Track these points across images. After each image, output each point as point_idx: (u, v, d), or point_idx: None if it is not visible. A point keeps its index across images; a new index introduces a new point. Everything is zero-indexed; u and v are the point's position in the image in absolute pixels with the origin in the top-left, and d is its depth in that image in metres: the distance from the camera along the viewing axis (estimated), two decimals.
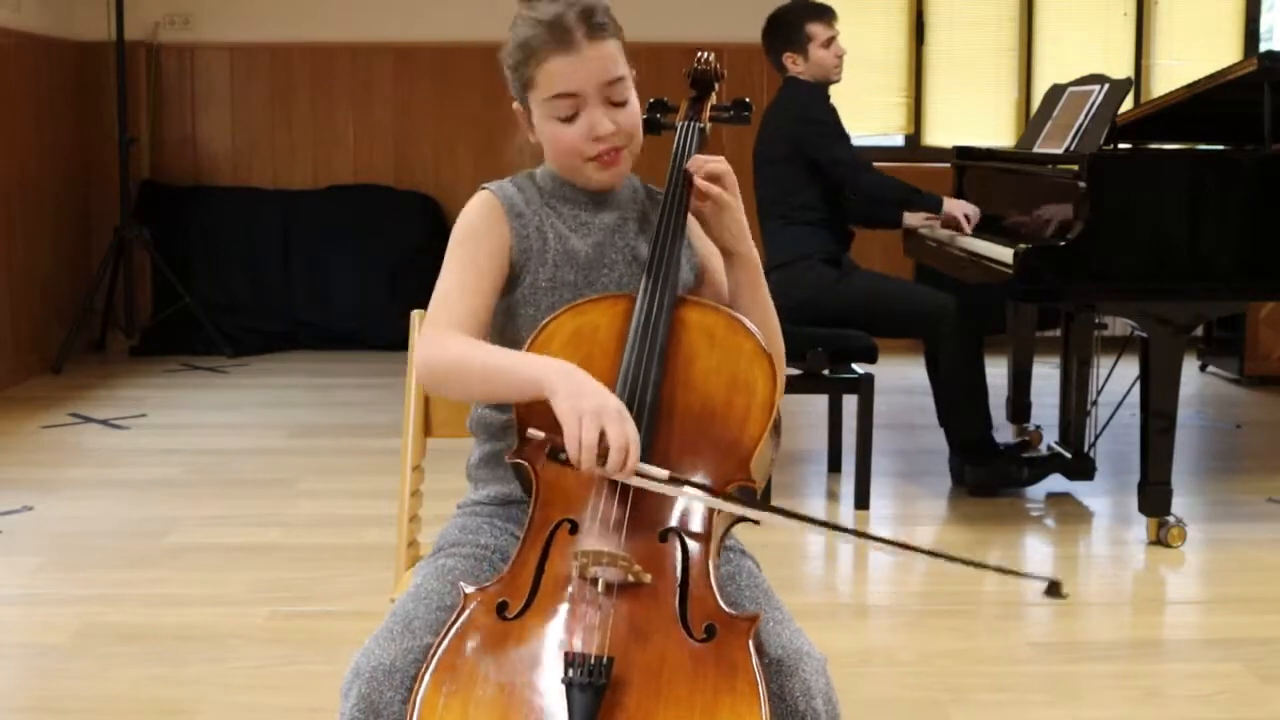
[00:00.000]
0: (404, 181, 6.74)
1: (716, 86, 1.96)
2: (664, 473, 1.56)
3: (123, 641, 3.01)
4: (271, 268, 6.61)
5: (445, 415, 2.07)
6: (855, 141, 4.34)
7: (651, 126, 1.95)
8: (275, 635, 3.06)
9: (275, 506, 4.04)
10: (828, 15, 4.30)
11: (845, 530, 1.64)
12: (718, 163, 1.78)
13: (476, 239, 1.79)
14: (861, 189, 4.24)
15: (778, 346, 1.81)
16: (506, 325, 1.82)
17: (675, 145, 1.86)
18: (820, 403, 4.71)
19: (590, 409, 1.53)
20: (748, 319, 1.74)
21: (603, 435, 1.52)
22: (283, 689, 2.77)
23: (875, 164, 4.34)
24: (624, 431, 1.53)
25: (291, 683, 2.80)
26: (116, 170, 6.34)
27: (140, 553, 3.61)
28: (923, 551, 1.56)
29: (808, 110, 4.24)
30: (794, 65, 4.28)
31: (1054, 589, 1.52)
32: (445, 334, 1.70)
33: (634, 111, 1.80)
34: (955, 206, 4.30)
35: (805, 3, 4.34)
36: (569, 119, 1.76)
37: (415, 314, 2.00)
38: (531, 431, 1.59)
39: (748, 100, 1.97)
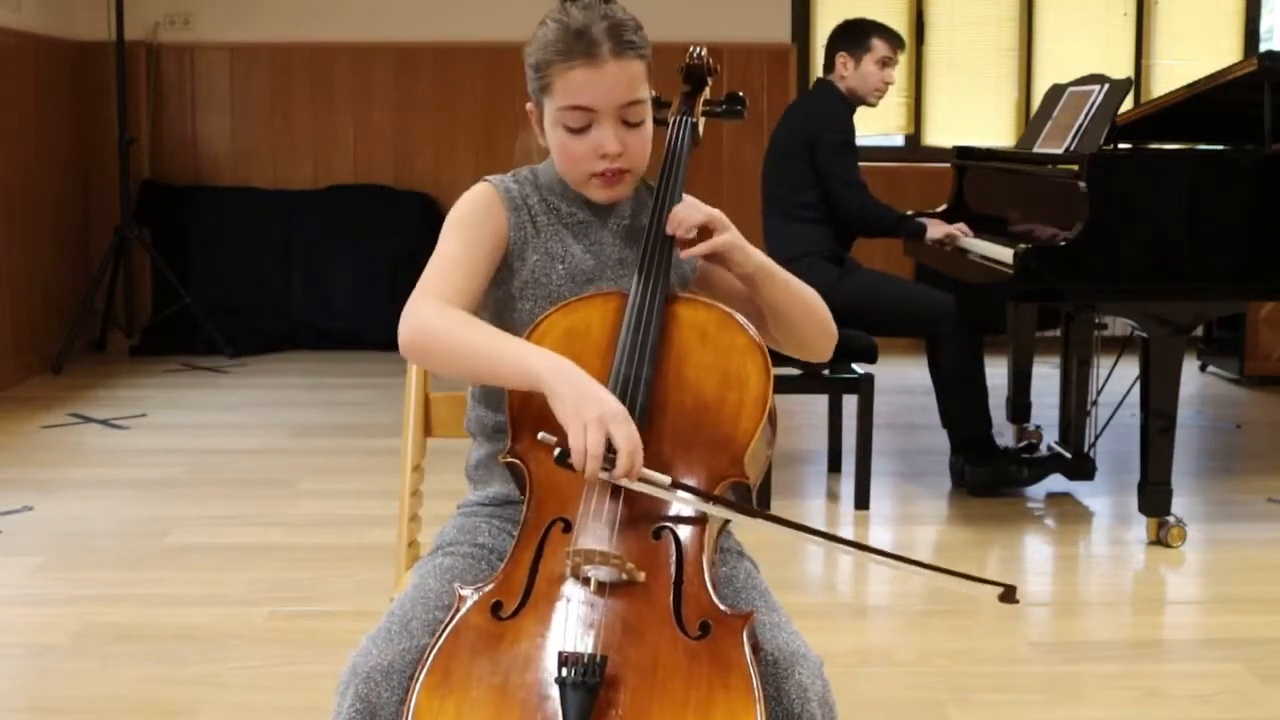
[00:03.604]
0: (404, 181, 6.74)
1: (709, 81, 1.96)
2: (666, 478, 1.55)
3: (122, 641, 3.01)
4: (271, 268, 6.61)
5: (445, 415, 2.07)
6: (855, 141, 4.35)
7: None
8: (274, 635, 3.06)
9: (275, 506, 4.04)
10: (896, 42, 4.39)
11: (843, 541, 1.64)
12: (692, 213, 1.73)
13: (474, 222, 1.78)
14: (848, 208, 4.24)
15: (829, 330, 1.84)
16: (500, 318, 1.81)
17: (668, 140, 1.86)
18: (820, 403, 4.71)
19: (594, 416, 1.52)
20: (741, 316, 1.72)
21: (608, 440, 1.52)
22: (282, 689, 2.77)
23: (876, 163, 4.35)
24: (630, 435, 1.52)
25: (291, 683, 2.80)
26: (116, 170, 6.34)
27: (140, 553, 3.61)
28: (909, 562, 1.57)
29: (830, 116, 4.29)
30: (843, 68, 4.34)
31: (1008, 595, 1.52)
32: (438, 303, 1.68)
33: (646, 137, 1.77)
34: (937, 231, 4.30)
35: (882, 24, 4.42)
36: (579, 131, 1.74)
37: None
38: (544, 436, 1.56)
39: (741, 94, 1.96)
